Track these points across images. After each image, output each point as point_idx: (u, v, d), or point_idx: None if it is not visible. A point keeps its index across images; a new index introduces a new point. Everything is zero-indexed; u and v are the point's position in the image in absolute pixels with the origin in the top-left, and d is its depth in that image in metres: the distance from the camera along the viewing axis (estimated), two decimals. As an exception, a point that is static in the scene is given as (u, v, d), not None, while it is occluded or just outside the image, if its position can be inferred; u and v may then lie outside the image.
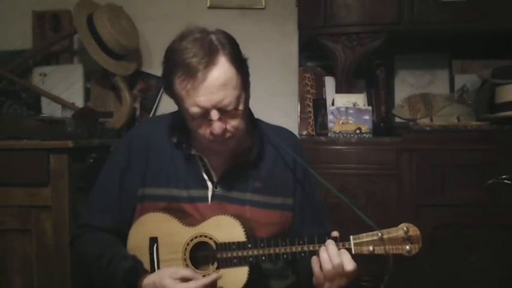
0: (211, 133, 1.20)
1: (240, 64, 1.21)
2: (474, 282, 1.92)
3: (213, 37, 1.19)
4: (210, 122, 1.18)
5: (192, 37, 1.19)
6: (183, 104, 1.20)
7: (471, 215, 1.92)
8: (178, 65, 1.17)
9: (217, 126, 1.18)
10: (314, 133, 2.31)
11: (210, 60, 1.15)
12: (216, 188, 1.31)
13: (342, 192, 1.29)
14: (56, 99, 2.33)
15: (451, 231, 1.92)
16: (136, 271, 1.22)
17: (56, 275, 1.79)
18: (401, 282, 1.89)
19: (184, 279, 1.16)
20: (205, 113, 1.18)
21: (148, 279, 1.20)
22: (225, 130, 1.20)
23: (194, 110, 1.17)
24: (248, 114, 1.35)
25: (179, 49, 1.18)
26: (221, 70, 1.16)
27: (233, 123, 1.21)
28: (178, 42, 1.20)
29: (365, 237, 1.16)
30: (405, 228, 1.14)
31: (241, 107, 1.21)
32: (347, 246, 1.16)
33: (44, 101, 2.37)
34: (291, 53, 2.44)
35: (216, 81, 1.16)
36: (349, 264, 1.14)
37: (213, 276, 1.18)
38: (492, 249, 1.91)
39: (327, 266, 1.14)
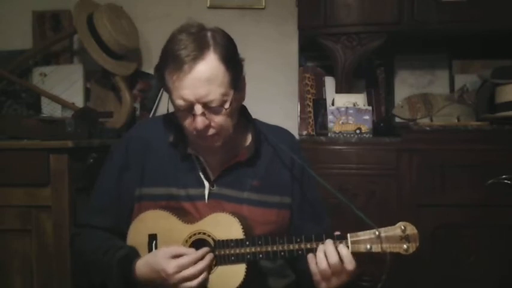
0: (195, 128, 1.21)
1: (231, 63, 1.21)
2: (474, 282, 1.92)
3: (209, 33, 1.21)
4: (194, 116, 1.20)
5: (188, 31, 1.21)
6: (171, 96, 1.22)
7: (471, 215, 1.92)
8: (169, 56, 1.20)
9: (199, 121, 1.19)
10: (314, 133, 2.31)
11: (198, 54, 1.17)
12: (212, 187, 1.31)
13: (341, 192, 1.28)
14: (56, 99, 2.33)
15: (451, 231, 1.92)
16: (130, 256, 1.23)
17: (56, 275, 1.79)
18: (402, 282, 1.89)
19: (178, 257, 1.17)
20: (190, 107, 1.19)
21: (142, 260, 1.21)
22: (208, 126, 1.21)
23: (179, 102, 1.20)
24: (245, 113, 1.37)
25: (173, 41, 1.21)
26: (208, 65, 1.18)
27: (217, 120, 1.21)
28: (174, 34, 1.23)
29: (362, 235, 1.15)
30: (403, 227, 1.14)
31: (226, 106, 1.21)
32: (344, 244, 1.16)
33: (44, 101, 2.36)
34: (291, 53, 2.44)
35: (201, 75, 1.17)
36: (350, 264, 1.14)
37: (204, 250, 1.18)
38: (492, 249, 1.91)
39: (323, 264, 1.14)
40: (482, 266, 1.91)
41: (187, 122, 1.23)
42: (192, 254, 1.17)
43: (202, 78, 1.17)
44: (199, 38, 1.19)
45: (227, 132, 1.26)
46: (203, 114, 1.19)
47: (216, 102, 1.19)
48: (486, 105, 2.13)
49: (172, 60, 1.18)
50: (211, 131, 1.22)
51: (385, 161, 1.96)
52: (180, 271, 1.15)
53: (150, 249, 1.26)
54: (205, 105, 1.19)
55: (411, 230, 1.14)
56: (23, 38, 2.46)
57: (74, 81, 2.41)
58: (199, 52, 1.17)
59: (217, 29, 1.24)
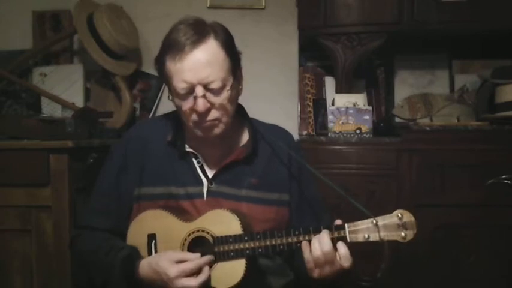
0: (196, 111, 1.22)
1: (231, 52, 1.25)
2: (474, 282, 1.92)
3: (208, 26, 1.25)
4: (195, 100, 1.21)
5: (187, 22, 1.25)
6: (172, 82, 1.23)
7: (471, 215, 1.92)
8: (170, 44, 1.22)
9: (201, 103, 1.21)
10: (314, 133, 2.31)
11: (199, 38, 1.21)
12: (211, 185, 1.31)
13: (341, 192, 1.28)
14: (56, 99, 2.33)
15: (451, 231, 1.92)
16: (132, 256, 1.23)
17: (56, 275, 1.79)
18: (401, 282, 1.89)
19: (181, 262, 1.17)
20: (191, 89, 1.21)
21: (146, 260, 1.22)
22: (209, 109, 1.22)
23: (181, 85, 1.21)
24: (242, 112, 1.38)
25: (173, 31, 1.24)
26: (208, 49, 1.21)
27: (218, 102, 1.23)
28: (174, 26, 1.26)
29: (360, 224, 1.15)
30: (399, 215, 1.13)
31: (227, 88, 1.23)
32: (342, 234, 1.15)
33: (44, 101, 2.36)
34: (291, 53, 2.44)
35: (203, 57, 1.20)
36: (346, 261, 1.14)
37: (207, 257, 1.18)
38: (492, 249, 1.91)
39: (317, 252, 1.14)
40: (482, 266, 1.90)
41: (188, 107, 1.23)
42: (194, 261, 1.17)
43: (204, 60, 1.20)
44: (199, 27, 1.23)
45: (227, 118, 1.27)
46: (204, 96, 1.21)
47: (217, 84, 1.21)
48: (486, 105, 2.13)
49: (173, 47, 1.21)
50: (212, 115, 1.24)
51: (385, 161, 1.96)
52: (182, 276, 1.15)
53: (149, 249, 1.26)
54: (206, 87, 1.21)
55: (408, 217, 1.14)
56: (23, 38, 2.46)
57: (74, 81, 2.41)
58: (200, 36, 1.21)
59: (216, 23, 1.28)
